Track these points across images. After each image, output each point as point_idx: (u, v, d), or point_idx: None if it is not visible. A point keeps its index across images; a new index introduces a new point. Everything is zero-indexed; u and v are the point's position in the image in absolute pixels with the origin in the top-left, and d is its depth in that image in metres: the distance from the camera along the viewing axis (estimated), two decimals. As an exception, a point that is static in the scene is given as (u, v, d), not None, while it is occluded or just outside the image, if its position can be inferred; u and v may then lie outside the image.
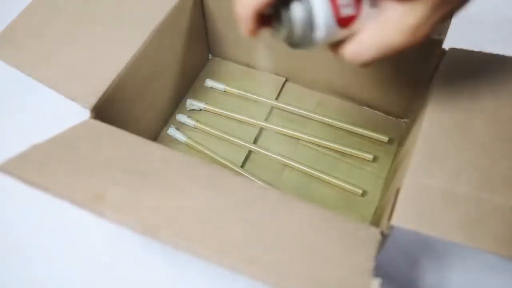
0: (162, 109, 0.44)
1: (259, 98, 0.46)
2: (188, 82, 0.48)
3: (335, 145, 0.42)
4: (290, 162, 0.41)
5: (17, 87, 0.50)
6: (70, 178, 0.25)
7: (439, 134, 0.28)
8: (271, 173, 0.42)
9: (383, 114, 0.44)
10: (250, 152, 0.43)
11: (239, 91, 0.46)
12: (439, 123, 0.29)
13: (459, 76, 0.31)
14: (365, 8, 0.22)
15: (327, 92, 0.46)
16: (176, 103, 0.47)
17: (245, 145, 0.43)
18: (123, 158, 0.28)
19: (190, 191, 0.26)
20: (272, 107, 0.46)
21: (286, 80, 0.48)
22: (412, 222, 0.24)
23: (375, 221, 0.35)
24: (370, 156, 0.41)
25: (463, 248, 0.37)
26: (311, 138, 0.42)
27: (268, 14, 0.24)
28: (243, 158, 0.42)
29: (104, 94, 0.33)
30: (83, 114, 0.32)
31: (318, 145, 0.43)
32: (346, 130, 0.43)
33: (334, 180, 0.40)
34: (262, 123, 0.44)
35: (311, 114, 0.44)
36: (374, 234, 0.25)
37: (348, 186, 0.39)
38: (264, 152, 0.42)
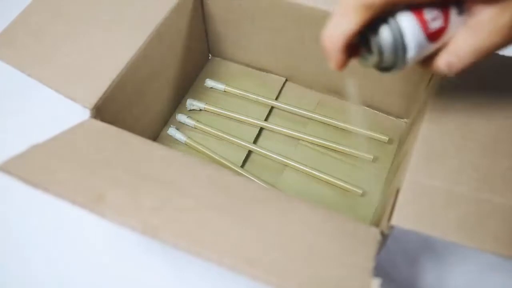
0: (162, 109, 0.44)
1: (259, 98, 0.46)
2: (188, 82, 0.48)
3: (335, 145, 0.42)
4: (290, 162, 0.41)
5: (17, 87, 0.50)
6: (70, 178, 0.25)
7: (439, 134, 0.28)
8: (271, 173, 0.42)
9: (383, 114, 0.44)
10: (250, 152, 0.43)
11: (239, 91, 0.46)
12: (439, 123, 0.29)
13: (459, 76, 0.31)
14: (453, 17, 0.22)
15: (327, 92, 0.46)
16: (176, 103, 0.47)
17: (245, 145, 0.43)
18: (123, 158, 0.28)
19: (190, 191, 0.26)
20: (272, 107, 0.46)
21: (286, 80, 0.48)
22: (412, 222, 0.24)
23: (375, 221, 0.35)
24: (370, 156, 0.41)
25: (463, 248, 0.37)
26: (311, 138, 0.42)
27: (355, 43, 0.23)
28: (243, 158, 0.42)
29: (104, 94, 0.33)
30: (83, 114, 0.32)
31: (318, 145, 0.43)
32: (346, 130, 0.43)
33: (334, 180, 0.40)
34: (262, 123, 0.44)
35: (311, 114, 0.44)
36: (374, 234, 0.25)
37: (348, 186, 0.39)
38: (264, 152, 0.42)
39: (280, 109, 0.46)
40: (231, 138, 0.43)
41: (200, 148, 0.43)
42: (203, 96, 0.47)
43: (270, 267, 0.22)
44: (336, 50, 0.22)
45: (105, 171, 0.27)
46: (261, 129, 0.45)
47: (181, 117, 0.45)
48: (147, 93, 0.40)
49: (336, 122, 0.43)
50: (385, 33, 0.22)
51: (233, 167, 0.42)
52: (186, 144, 0.44)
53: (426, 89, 0.38)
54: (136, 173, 0.27)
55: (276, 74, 0.48)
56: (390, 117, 0.44)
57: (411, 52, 0.22)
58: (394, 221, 0.25)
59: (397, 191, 0.26)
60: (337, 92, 0.45)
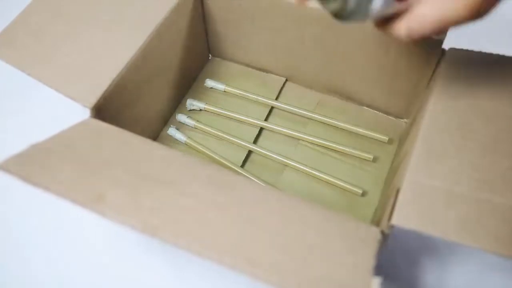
0: (162, 109, 0.44)
1: (259, 98, 0.46)
2: (188, 82, 0.48)
3: (335, 145, 0.42)
4: (290, 162, 0.41)
5: (17, 87, 0.50)
6: (71, 177, 0.25)
7: (439, 134, 0.28)
8: (271, 173, 0.42)
9: (383, 114, 0.44)
10: (250, 152, 0.43)
11: (239, 91, 0.46)
12: (439, 123, 0.29)
13: (459, 76, 0.31)
14: None
15: (327, 92, 0.46)
16: (176, 103, 0.47)
17: (245, 145, 0.43)
18: (124, 158, 0.28)
19: (190, 191, 0.26)
20: (272, 107, 0.46)
21: (286, 80, 0.48)
22: (412, 222, 0.24)
23: (375, 221, 0.35)
24: (370, 156, 0.41)
25: (463, 248, 0.37)
26: (311, 138, 0.42)
27: None
28: (243, 158, 0.42)
29: (104, 93, 0.33)
30: (83, 113, 0.32)
31: (318, 145, 0.43)
32: (346, 130, 0.43)
33: (334, 180, 0.40)
34: (262, 123, 0.44)
35: (311, 114, 0.44)
36: (374, 233, 0.25)
37: (348, 186, 0.39)
38: (264, 152, 0.42)
39: (280, 109, 0.46)
40: (231, 138, 0.43)
41: (200, 148, 0.43)
42: (203, 96, 0.47)
43: (270, 266, 0.22)
44: None
45: (105, 170, 0.27)
46: (261, 129, 0.45)
47: (181, 117, 0.45)
48: (147, 93, 0.40)
49: (336, 122, 0.43)
50: None
51: (233, 167, 0.42)
52: (186, 144, 0.44)
53: (426, 89, 0.38)
54: (136, 173, 0.27)
55: (276, 74, 0.48)
56: (390, 117, 0.44)
57: (377, 3, 0.22)
58: (394, 220, 0.25)
59: (397, 191, 0.26)
60: (337, 92, 0.45)
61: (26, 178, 0.24)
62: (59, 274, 0.38)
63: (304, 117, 0.45)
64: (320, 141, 0.42)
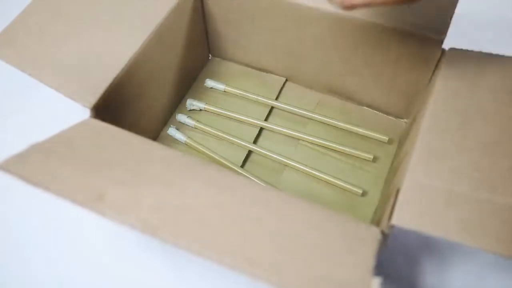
0: (162, 109, 0.44)
1: (259, 98, 0.46)
2: (188, 82, 0.48)
3: (335, 145, 0.42)
4: (290, 162, 0.41)
5: (17, 87, 0.50)
6: (70, 177, 0.25)
7: (439, 134, 0.28)
8: (271, 173, 0.42)
9: (383, 114, 0.44)
10: (250, 152, 0.43)
11: (239, 91, 0.46)
12: (439, 123, 0.29)
13: (459, 76, 0.31)
14: None
15: (327, 92, 0.46)
16: (176, 103, 0.47)
17: (245, 145, 0.43)
18: (123, 158, 0.28)
19: (190, 191, 0.26)
20: (272, 107, 0.46)
21: (286, 80, 0.48)
22: (412, 222, 0.24)
23: (375, 221, 0.35)
24: (370, 156, 0.41)
25: (463, 248, 0.37)
26: (311, 138, 0.42)
27: None
28: (243, 158, 0.42)
29: (104, 93, 0.33)
30: (83, 113, 0.32)
31: (318, 145, 0.43)
32: (346, 130, 0.43)
33: (334, 180, 0.40)
34: (262, 123, 0.44)
35: (311, 114, 0.44)
36: (374, 233, 0.25)
37: (348, 186, 0.39)
38: (264, 152, 0.42)
39: (280, 109, 0.46)
40: (231, 138, 0.43)
41: (200, 148, 0.43)
42: (203, 96, 0.47)
43: (270, 266, 0.22)
44: None
45: (105, 170, 0.27)
46: (261, 129, 0.45)
47: (181, 117, 0.45)
48: (147, 93, 0.40)
49: (336, 122, 0.43)
50: None
51: (233, 167, 0.42)
52: (186, 144, 0.44)
53: (426, 89, 0.38)
54: (136, 172, 0.27)
55: (276, 74, 0.48)
56: (390, 117, 0.44)
57: None
58: (394, 220, 0.25)
59: (397, 191, 0.26)
60: (337, 92, 0.45)
61: (26, 178, 0.24)
62: (59, 274, 0.38)
63: (304, 117, 0.45)
64: (320, 141, 0.42)
